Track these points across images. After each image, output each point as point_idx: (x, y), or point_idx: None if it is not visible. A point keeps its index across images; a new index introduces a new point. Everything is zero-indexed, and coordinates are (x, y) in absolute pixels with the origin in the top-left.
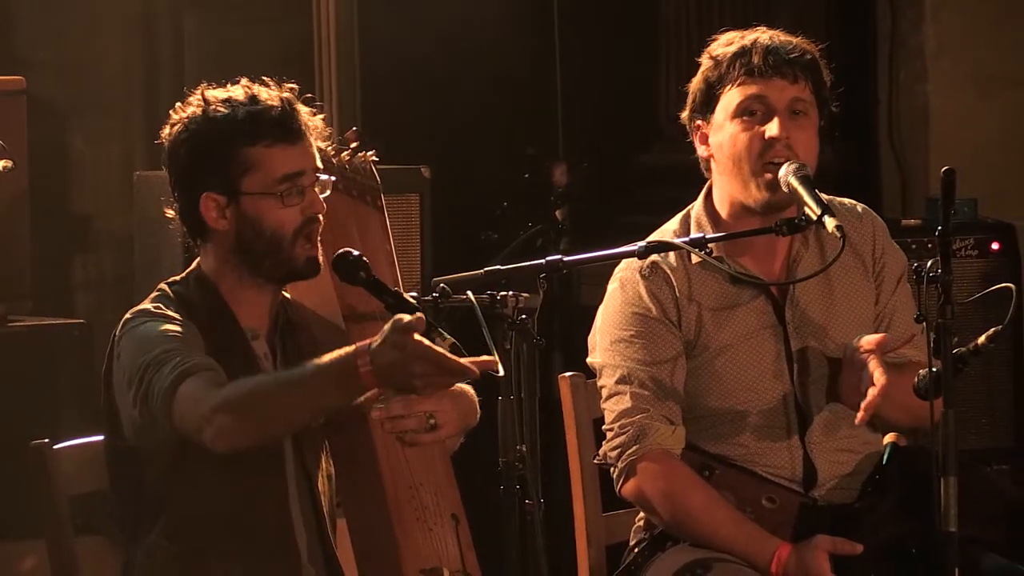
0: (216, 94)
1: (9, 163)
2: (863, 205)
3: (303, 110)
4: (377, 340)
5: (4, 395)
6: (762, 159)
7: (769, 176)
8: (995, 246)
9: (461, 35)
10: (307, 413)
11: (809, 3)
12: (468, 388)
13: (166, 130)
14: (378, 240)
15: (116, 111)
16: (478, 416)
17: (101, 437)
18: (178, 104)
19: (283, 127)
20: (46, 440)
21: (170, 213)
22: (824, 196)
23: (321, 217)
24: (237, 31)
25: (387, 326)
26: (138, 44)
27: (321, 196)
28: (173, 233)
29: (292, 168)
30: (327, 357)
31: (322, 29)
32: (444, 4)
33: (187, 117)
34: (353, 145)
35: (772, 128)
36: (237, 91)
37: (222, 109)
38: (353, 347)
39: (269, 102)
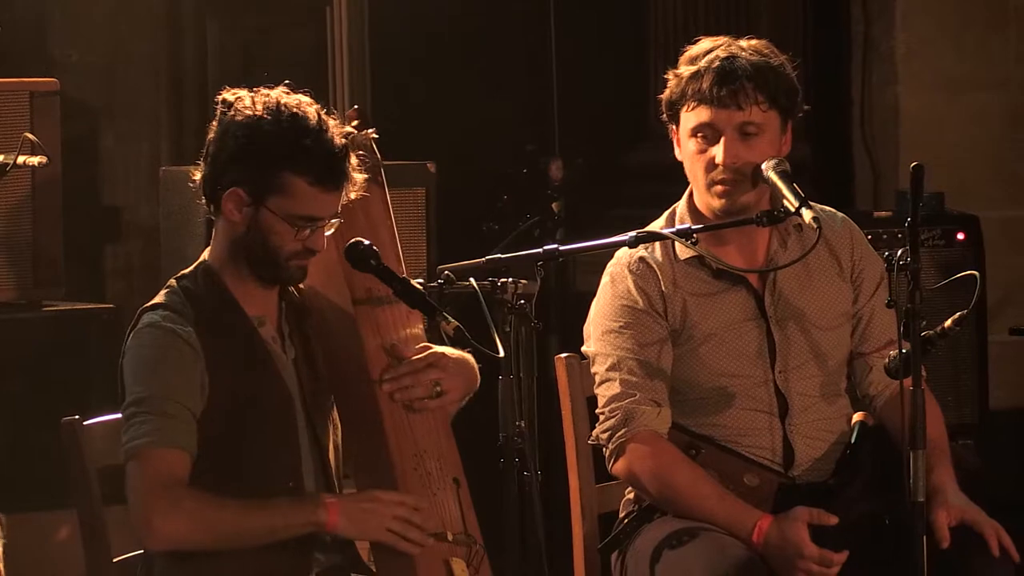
0: (290, 103)
1: (44, 159)
2: (843, 215)
3: (353, 161)
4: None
5: (38, 374)
6: (709, 178)
7: (716, 191)
8: (960, 236)
9: (464, 40)
10: (260, 543)
11: (786, 10)
12: (469, 356)
13: (233, 106)
14: (380, 215)
15: (143, 110)
16: (479, 381)
17: None
18: (258, 89)
19: (329, 173)
20: (77, 416)
21: (196, 175)
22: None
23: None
24: (257, 35)
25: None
26: (164, 48)
27: (326, 233)
28: (196, 224)
29: (315, 212)
30: (299, 512)
31: (335, 33)
32: (448, 11)
33: (256, 112)
34: (355, 123)
35: (717, 154)
36: (311, 110)
37: (291, 129)
38: (323, 506)
39: (330, 142)
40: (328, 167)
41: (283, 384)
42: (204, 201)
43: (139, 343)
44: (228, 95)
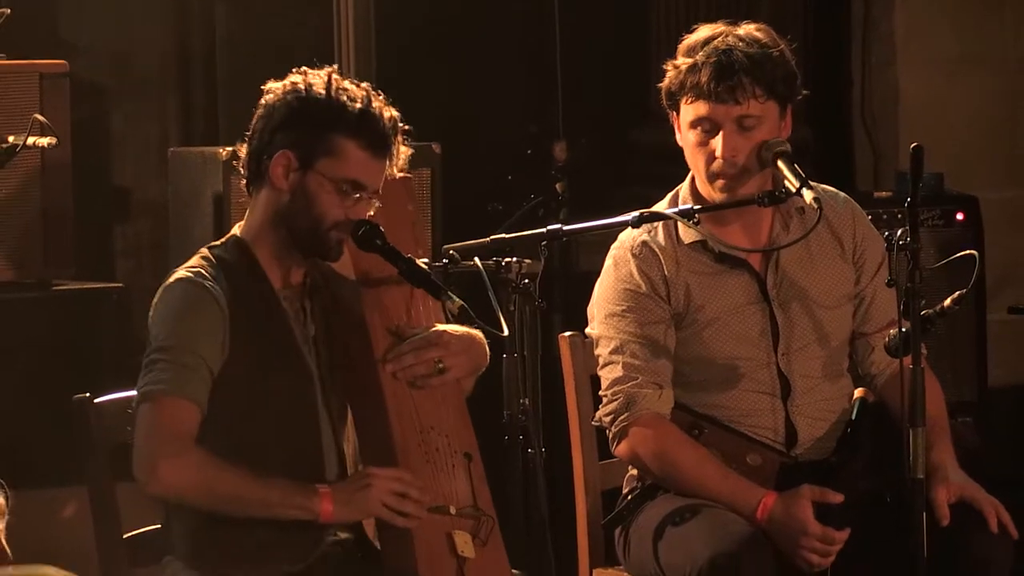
0: (341, 79)
1: (54, 140)
2: (845, 195)
3: (399, 139)
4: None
5: (49, 353)
6: (710, 171)
7: (718, 185)
8: (959, 216)
9: (469, 24)
10: (254, 515)
11: None
12: (477, 332)
13: (282, 84)
14: (400, 200)
15: (152, 92)
16: (488, 357)
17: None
18: (306, 69)
19: (380, 140)
20: (87, 394)
21: (242, 151)
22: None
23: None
24: (264, 19)
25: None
26: (172, 31)
27: (368, 213)
28: (204, 204)
29: (362, 178)
30: (296, 494)
31: (342, 18)
32: None
33: (309, 83)
34: None
35: (717, 147)
36: (359, 90)
37: (342, 96)
38: (317, 495)
39: (381, 114)
40: (379, 133)
41: (303, 359)
42: (244, 182)
43: (169, 295)
44: (273, 83)
